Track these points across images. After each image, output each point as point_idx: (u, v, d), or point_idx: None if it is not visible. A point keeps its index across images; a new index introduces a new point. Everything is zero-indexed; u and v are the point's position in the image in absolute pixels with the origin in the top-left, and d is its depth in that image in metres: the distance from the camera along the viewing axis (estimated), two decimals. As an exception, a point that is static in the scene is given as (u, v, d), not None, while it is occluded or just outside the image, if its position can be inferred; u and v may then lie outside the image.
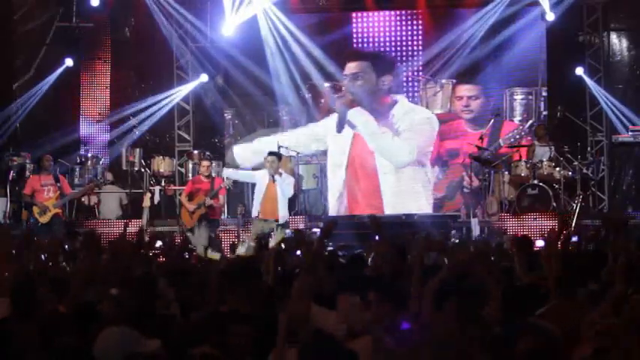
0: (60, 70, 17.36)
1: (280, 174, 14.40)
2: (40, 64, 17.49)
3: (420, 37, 17.62)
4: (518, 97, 17.37)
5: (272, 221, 14.07)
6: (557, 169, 15.42)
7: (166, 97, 17.71)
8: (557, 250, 6.41)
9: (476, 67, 17.17)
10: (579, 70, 17.27)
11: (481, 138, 15.85)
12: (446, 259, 6.67)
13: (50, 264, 7.20)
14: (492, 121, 16.51)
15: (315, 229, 14.53)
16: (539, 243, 8.62)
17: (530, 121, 16.60)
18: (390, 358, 4.48)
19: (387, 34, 17.83)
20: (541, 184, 15.10)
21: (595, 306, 5.27)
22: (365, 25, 17.86)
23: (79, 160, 16.72)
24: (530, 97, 17.36)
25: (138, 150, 16.68)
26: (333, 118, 17.02)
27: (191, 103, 18.06)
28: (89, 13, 17.65)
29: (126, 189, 16.70)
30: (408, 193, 16.72)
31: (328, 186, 16.90)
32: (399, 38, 17.78)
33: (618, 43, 18.17)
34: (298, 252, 8.49)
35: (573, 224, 13.80)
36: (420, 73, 17.40)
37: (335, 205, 16.86)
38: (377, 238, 7.68)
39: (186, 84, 17.87)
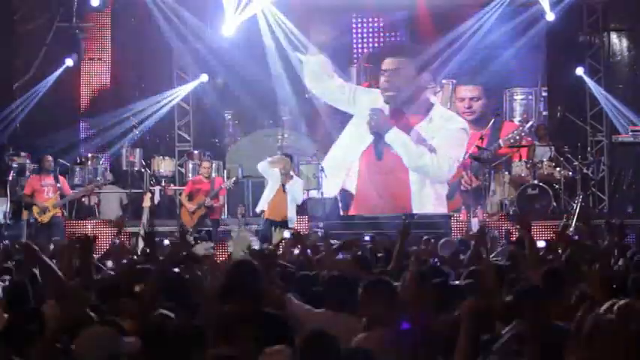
0: (60, 70, 17.34)
1: (291, 177, 14.37)
2: (40, 64, 17.46)
3: (420, 37, 17.63)
4: (518, 97, 17.39)
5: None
6: (558, 169, 15.43)
7: (166, 97, 17.70)
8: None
9: (476, 68, 17.16)
10: (579, 71, 17.27)
11: (481, 138, 15.85)
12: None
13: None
14: (492, 121, 16.52)
15: (315, 229, 14.52)
16: (541, 244, 8.60)
17: (531, 122, 16.60)
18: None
19: (387, 33, 17.85)
20: (541, 184, 15.10)
21: None
22: (365, 25, 17.88)
23: (79, 160, 16.72)
24: (530, 97, 17.38)
25: (138, 150, 16.69)
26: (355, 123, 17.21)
27: (191, 103, 18.04)
28: (89, 13, 17.65)
29: (126, 189, 16.70)
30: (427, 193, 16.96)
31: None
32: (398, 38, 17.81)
33: (618, 43, 18.17)
34: (296, 251, 8.53)
35: (573, 224, 13.82)
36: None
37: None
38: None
39: (186, 84, 17.85)
